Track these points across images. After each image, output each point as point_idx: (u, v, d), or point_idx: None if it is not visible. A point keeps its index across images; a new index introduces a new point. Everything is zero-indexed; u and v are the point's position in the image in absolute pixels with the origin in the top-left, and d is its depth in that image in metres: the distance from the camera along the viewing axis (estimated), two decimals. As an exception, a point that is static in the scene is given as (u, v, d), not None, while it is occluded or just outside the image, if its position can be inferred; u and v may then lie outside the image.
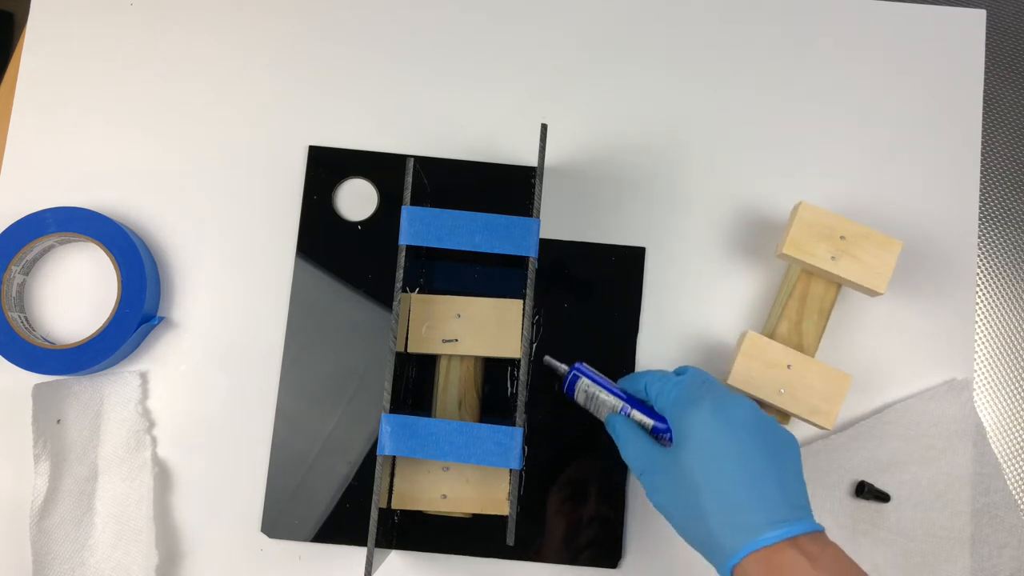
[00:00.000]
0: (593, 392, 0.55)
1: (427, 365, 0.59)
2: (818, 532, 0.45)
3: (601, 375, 0.55)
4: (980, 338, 0.63)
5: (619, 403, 0.53)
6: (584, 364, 0.56)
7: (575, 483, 0.59)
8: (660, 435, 0.52)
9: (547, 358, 0.57)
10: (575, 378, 0.55)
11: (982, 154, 0.64)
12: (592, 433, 0.59)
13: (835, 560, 0.44)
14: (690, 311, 0.61)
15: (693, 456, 0.47)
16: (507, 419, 0.59)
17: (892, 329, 0.61)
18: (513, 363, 0.60)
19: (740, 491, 0.45)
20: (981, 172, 0.64)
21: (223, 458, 0.60)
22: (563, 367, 0.56)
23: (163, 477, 0.59)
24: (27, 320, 0.61)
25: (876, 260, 0.56)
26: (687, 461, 0.47)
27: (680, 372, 0.53)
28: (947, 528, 0.58)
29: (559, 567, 0.58)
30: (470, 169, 0.63)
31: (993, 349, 0.63)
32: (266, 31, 0.65)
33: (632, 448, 0.51)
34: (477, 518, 0.57)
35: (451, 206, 0.55)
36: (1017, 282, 0.64)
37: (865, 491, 0.58)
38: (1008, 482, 0.60)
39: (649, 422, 0.52)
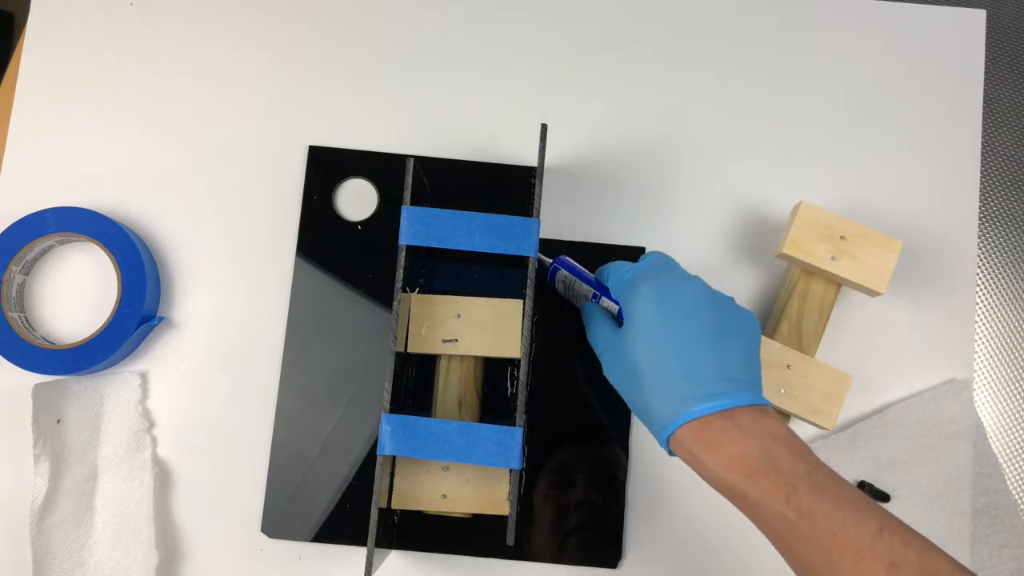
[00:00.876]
0: (570, 282, 0.58)
1: (427, 365, 0.59)
2: (758, 406, 0.45)
3: (582, 268, 0.58)
4: (980, 338, 0.63)
5: (591, 291, 0.56)
6: (566, 257, 0.59)
7: (572, 475, 0.59)
8: (622, 319, 0.53)
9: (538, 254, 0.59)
10: (555, 270, 0.58)
11: (982, 154, 0.64)
12: (592, 429, 0.59)
13: (768, 431, 0.44)
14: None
15: (633, 335, 0.49)
16: (507, 419, 0.59)
17: (892, 329, 0.61)
18: (513, 363, 0.60)
19: (673, 367, 0.46)
20: (981, 172, 0.64)
21: (223, 458, 0.60)
22: (549, 260, 0.59)
23: (163, 477, 0.59)
24: (27, 320, 0.61)
25: (876, 260, 0.56)
26: (628, 340, 0.49)
27: (643, 257, 0.54)
28: (947, 528, 0.58)
29: (559, 567, 0.58)
30: (470, 169, 0.63)
31: (993, 349, 0.63)
32: (266, 31, 0.65)
33: (594, 331, 0.53)
34: (477, 518, 0.57)
35: (451, 206, 0.55)
36: (1017, 282, 0.64)
37: (865, 491, 0.58)
38: (1008, 482, 0.60)
39: (615, 307, 0.54)
